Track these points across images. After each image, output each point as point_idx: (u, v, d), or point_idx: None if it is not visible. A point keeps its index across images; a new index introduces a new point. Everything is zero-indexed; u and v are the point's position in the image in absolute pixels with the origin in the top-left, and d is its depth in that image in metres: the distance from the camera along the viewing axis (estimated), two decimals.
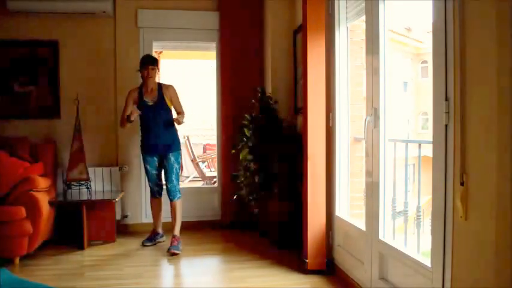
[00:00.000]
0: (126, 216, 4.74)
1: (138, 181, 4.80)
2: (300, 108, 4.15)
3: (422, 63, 18.53)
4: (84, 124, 4.43)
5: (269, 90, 4.57)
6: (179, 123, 4.11)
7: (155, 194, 4.30)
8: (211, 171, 7.54)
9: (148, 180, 4.26)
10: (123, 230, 4.67)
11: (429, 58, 12.73)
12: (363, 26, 3.06)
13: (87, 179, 4.36)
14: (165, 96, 4.09)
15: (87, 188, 4.36)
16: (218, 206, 4.82)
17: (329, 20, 3.44)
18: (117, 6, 4.66)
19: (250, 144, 4.22)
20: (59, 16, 4.53)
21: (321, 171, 3.41)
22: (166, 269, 3.76)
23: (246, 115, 4.29)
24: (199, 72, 9.36)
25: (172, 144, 4.14)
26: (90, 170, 4.46)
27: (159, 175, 4.23)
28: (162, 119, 4.06)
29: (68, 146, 4.36)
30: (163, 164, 4.16)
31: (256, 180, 4.19)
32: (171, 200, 4.16)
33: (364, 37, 3.04)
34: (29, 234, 3.63)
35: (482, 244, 1.73)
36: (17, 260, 3.63)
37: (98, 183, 4.58)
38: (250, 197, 4.28)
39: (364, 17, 2.95)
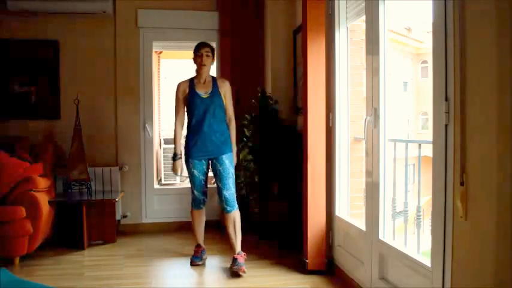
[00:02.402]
0: (126, 216, 4.74)
1: (138, 181, 4.80)
2: (300, 108, 4.15)
3: (422, 63, 18.54)
4: (84, 124, 4.42)
5: (269, 90, 4.57)
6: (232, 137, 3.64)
7: (199, 205, 3.72)
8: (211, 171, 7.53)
9: (194, 188, 3.67)
10: (123, 230, 4.68)
11: (429, 58, 12.73)
12: (363, 26, 3.06)
13: (87, 179, 4.36)
14: (219, 90, 3.59)
15: (87, 188, 4.36)
16: (218, 206, 4.81)
17: (329, 20, 3.44)
18: (117, 6, 4.67)
19: (250, 144, 4.22)
20: (59, 16, 4.53)
21: (321, 171, 3.41)
22: (166, 269, 3.75)
23: (246, 115, 4.29)
24: None
25: (225, 144, 3.59)
26: (90, 170, 4.46)
27: (206, 182, 3.71)
28: (217, 116, 3.56)
29: (68, 146, 4.36)
30: (215, 169, 3.59)
31: (256, 180, 4.19)
32: (227, 212, 3.56)
33: (364, 37, 3.03)
34: (29, 234, 3.63)
35: (482, 244, 1.73)
36: (17, 260, 3.63)
37: (98, 183, 4.58)
38: (250, 197, 4.29)
39: (364, 17, 2.95)
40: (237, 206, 3.59)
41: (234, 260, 3.45)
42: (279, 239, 4.04)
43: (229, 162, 3.58)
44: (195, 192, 3.68)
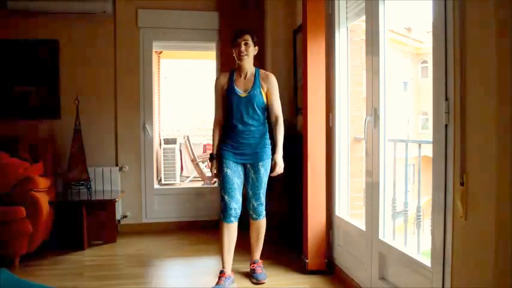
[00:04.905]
0: (126, 216, 4.74)
1: (138, 181, 4.80)
2: (300, 108, 4.15)
3: (422, 63, 18.55)
4: (84, 124, 4.43)
5: None
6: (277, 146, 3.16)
7: (230, 217, 3.16)
8: None
9: (224, 192, 3.14)
10: (123, 230, 4.68)
11: (429, 58, 12.73)
12: (363, 26, 3.06)
13: (87, 179, 4.36)
14: (261, 88, 3.17)
15: (87, 188, 4.36)
16: (218, 205, 4.81)
17: (329, 20, 3.44)
18: (117, 6, 4.67)
19: None
20: (59, 16, 4.53)
21: (321, 171, 3.42)
22: (166, 269, 3.75)
23: None
24: (199, 72, 9.37)
25: (263, 149, 3.19)
26: (90, 170, 4.46)
27: (240, 188, 3.22)
28: (255, 116, 3.15)
29: (68, 146, 4.36)
30: (248, 175, 3.20)
31: None
32: (253, 219, 3.29)
33: (364, 37, 3.04)
34: (29, 234, 3.63)
35: (482, 244, 1.73)
36: (17, 260, 3.63)
37: (98, 183, 4.58)
38: None
39: (364, 17, 2.95)
40: (264, 214, 3.32)
41: (252, 270, 3.32)
42: (279, 239, 4.04)
43: (264, 170, 3.19)
44: (226, 197, 3.13)
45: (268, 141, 3.25)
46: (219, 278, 3.16)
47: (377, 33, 2.70)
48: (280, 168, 3.17)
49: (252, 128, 3.15)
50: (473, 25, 1.78)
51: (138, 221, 4.79)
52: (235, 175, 3.16)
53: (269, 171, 3.21)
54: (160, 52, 6.71)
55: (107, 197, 4.37)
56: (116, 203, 4.36)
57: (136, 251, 4.07)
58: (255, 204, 3.24)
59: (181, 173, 6.98)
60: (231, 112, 3.15)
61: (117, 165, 4.71)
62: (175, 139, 6.91)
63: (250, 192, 3.23)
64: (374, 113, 2.75)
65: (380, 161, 2.72)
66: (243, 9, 4.78)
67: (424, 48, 17.81)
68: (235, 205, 3.14)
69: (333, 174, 3.46)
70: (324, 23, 3.41)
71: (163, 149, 6.69)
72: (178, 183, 6.67)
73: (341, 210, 3.41)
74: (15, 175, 3.82)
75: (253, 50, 3.16)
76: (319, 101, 3.41)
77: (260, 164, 3.17)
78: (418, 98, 18.18)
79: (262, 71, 3.25)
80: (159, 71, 6.87)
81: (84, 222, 4.09)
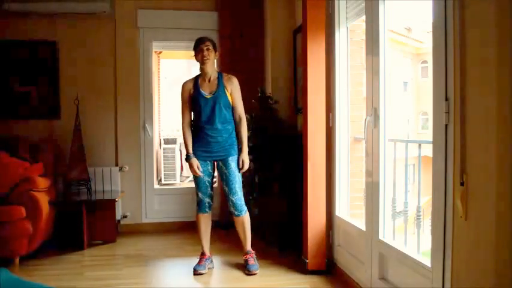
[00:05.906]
0: (126, 216, 4.74)
1: (138, 181, 4.80)
2: (300, 108, 4.15)
3: (422, 63, 18.53)
4: (84, 124, 4.42)
5: (269, 90, 4.57)
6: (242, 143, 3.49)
7: (205, 208, 3.53)
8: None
9: (198, 190, 3.50)
10: (123, 230, 4.68)
11: (429, 58, 12.73)
12: (363, 26, 3.06)
13: (87, 179, 4.36)
14: (225, 89, 3.45)
15: (87, 188, 4.36)
16: (217, 206, 4.82)
17: (329, 20, 3.44)
18: (117, 6, 4.67)
19: (250, 144, 4.22)
20: (59, 16, 4.53)
21: (321, 171, 3.41)
22: (166, 269, 3.76)
23: (246, 115, 4.28)
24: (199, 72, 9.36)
25: (231, 146, 3.46)
26: (90, 170, 4.46)
27: (211, 184, 3.53)
28: (221, 116, 3.41)
29: (68, 146, 4.36)
30: (221, 172, 3.48)
31: (256, 180, 4.19)
32: (236, 216, 3.48)
33: (364, 37, 3.04)
34: (29, 234, 3.63)
35: (482, 244, 1.73)
36: (17, 260, 3.63)
37: (98, 183, 4.58)
38: (250, 197, 4.28)
39: (364, 17, 2.95)
40: (245, 209, 3.50)
41: (245, 261, 3.50)
42: (279, 239, 4.04)
43: (235, 165, 3.45)
44: (200, 194, 3.50)
45: (235, 140, 3.51)
46: (200, 259, 3.54)
47: (377, 33, 2.70)
48: (246, 165, 3.50)
49: (220, 127, 3.42)
50: (473, 25, 1.78)
51: (138, 221, 4.79)
52: (205, 174, 3.48)
53: (246, 165, 3.50)
54: (160, 52, 6.70)
55: (107, 197, 4.37)
56: (116, 203, 4.37)
57: (136, 251, 4.07)
58: (233, 199, 3.44)
59: (181, 173, 6.97)
60: (199, 114, 3.43)
61: (117, 165, 4.72)
62: (176, 139, 6.90)
63: (227, 189, 3.45)
64: (374, 113, 2.75)
65: (380, 161, 2.71)
66: (242, 9, 4.79)
67: (424, 48, 17.79)
68: (208, 199, 3.53)
69: (333, 174, 3.46)
70: (324, 23, 3.41)
71: (163, 149, 6.68)
72: (178, 183, 6.67)
73: (341, 210, 3.41)
74: (15, 175, 3.82)
75: (214, 55, 3.48)
76: (319, 101, 3.41)
77: (230, 159, 3.44)
78: (418, 98, 18.17)
79: (224, 74, 3.54)
80: (159, 71, 6.86)
81: (84, 222, 4.10)
